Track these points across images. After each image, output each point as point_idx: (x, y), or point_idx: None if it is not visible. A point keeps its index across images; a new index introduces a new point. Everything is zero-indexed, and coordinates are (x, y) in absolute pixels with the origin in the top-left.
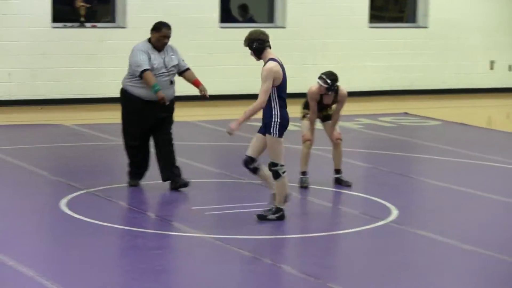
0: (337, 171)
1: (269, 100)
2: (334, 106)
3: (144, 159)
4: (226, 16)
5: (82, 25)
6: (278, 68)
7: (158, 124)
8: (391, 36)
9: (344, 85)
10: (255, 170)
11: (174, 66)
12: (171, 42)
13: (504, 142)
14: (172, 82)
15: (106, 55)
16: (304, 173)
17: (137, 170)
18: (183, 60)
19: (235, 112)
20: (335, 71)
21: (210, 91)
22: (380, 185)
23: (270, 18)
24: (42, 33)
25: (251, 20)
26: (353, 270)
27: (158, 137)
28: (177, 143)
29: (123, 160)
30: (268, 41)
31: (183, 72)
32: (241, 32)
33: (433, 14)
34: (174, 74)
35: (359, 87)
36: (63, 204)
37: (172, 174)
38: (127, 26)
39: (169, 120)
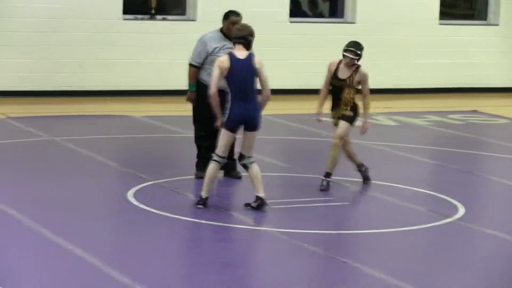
0: (327, 174)
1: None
2: (348, 96)
3: (212, 150)
4: (296, 11)
5: (152, 17)
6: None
7: None
8: (461, 33)
9: (413, 82)
10: (245, 167)
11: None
12: None
13: None
14: None
15: (176, 47)
16: (327, 174)
17: (205, 161)
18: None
19: (304, 107)
20: (404, 67)
21: (280, 86)
22: (447, 182)
23: (340, 13)
24: (113, 24)
25: (320, 15)
26: (419, 267)
27: None
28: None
29: (191, 152)
30: None
31: None
32: (311, 27)
33: (503, 11)
34: None
35: (428, 84)
36: (130, 194)
37: (226, 165)
38: (197, 19)
39: None
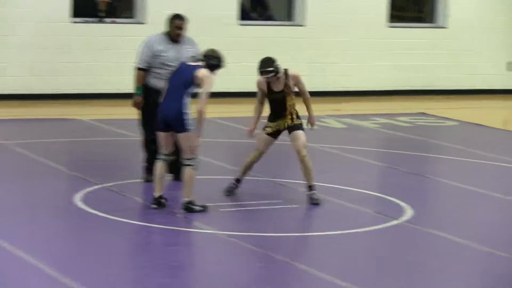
0: (309, 187)
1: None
2: (291, 103)
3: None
4: (245, 14)
5: (102, 21)
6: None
7: None
8: (410, 36)
9: (362, 84)
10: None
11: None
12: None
13: None
14: None
15: (126, 50)
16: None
17: (152, 165)
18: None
19: (242, 109)
20: (352, 70)
21: (229, 89)
22: (395, 184)
23: (290, 16)
24: (62, 27)
25: (269, 18)
26: (367, 269)
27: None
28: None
29: (139, 156)
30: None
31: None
32: (260, 29)
33: (453, 14)
34: None
35: (377, 87)
36: (78, 198)
37: (174, 168)
38: (147, 22)
39: None
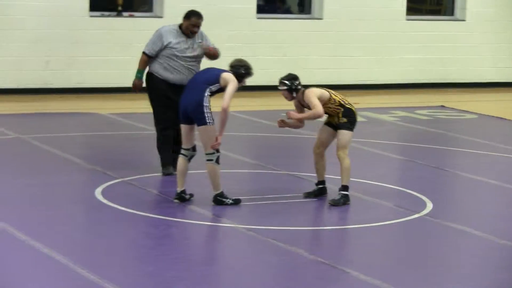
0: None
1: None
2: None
3: (175, 142)
4: (263, 7)
5: (119, 14)
6: None
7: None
8: (428, 29)
9: (381, 77)
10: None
11: (196, 56)
12: (207, 32)
13: None
14: (194, 68)
15: (143, 44)
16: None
17: (169, 158)
18: (213, 45)
19: (270, 103)
20: (371, 63)
21: (247, 82)
22: (415, 178)
23: (307, 9)
24: (79, 21)
25: (288, 11)
26: (387, 263)
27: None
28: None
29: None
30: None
31: (213, 49)
32: (278, 23)
33: (470, 7)
34: (198, 61)
35: (396, 80)
36: (98, 192)
37: (172, 160)
38: (164, 15)
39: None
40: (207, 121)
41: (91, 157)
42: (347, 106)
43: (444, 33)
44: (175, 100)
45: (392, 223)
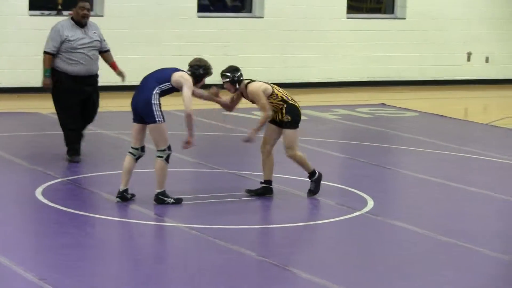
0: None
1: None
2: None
3: (78, 131)
4: (204, 6)
5: (59, 13)
6: None
7: (86, 98)
8: (369, 27)
9: (322, 76)
10: None
11: (94, 41)
12: (154, 31)
13: (481, 134)
14: (93, 58)
15: None
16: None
17: (74, 146)
18: (104, 41)
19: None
20: (313, 61)
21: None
22: (356, 176)
23: (248, 8)
24: (19, 20)
25: (229, 9)
26: (329, 261)
27: (85, 111)
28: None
29: (101, 149)
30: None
31: (103, 52)
32: (218, 22)
33: (411, 5)
34: (95, 50)
35: (337, 78)
36: (38, 192)
37: (78, 147)
38: (105, 14)
39: (95, 93)
40: (157, 119)
41: (32, 157)
42: (290, 102)
43: (385, 31)
44: (80, 92)
45: (334, 221)
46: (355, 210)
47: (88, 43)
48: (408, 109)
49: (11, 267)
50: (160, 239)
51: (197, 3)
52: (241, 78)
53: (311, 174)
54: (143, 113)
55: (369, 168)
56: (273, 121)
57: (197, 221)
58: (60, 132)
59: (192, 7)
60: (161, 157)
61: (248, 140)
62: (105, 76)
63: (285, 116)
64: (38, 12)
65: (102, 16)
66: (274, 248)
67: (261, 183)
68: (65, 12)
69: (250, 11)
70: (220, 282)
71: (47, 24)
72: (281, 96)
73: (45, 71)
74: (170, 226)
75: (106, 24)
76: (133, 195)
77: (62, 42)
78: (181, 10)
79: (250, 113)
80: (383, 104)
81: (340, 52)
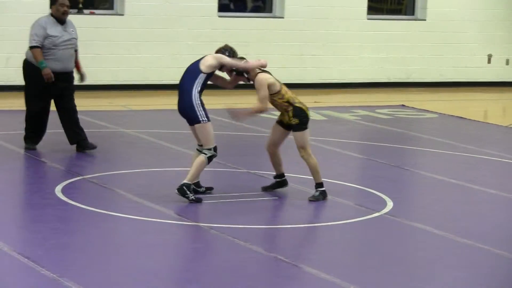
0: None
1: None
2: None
3: (44, 125)
4: (224, 6)
5: (80, 12)
6: None
7: (59, 93)
8: (389, 28)
9: (342, 76)
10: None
11: (72, 39)
12: (169, 30)
13: (500, 136)
14: (70, 55)
15: (104, 42)
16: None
17: (34, 134)
18: (76, 39)
19: (231, 101)
20: (332, 62)
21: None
22: (375, 177)
23: (268, 8)
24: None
25: (250, 10)
26: (347, 261)
27: (60, 106)
28: (172, 131)
29: (120, 147)
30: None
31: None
32: (238, 21)
33: (431, 7)
34: (73, 48)
35: (357, 79)
36: (58, 190)
37: (78, 135)
38: (125, 13)
39: (69, 89)
40: (200, 119)
41: (52, 155)
42: (297, 105)
43: (405, 32)
44: (52, 87)
45: (352, 222)
46: (374, 211)
47: (68, 40)
48: (427, 111)
49: (28, 264)
50: (179, 238)
51: (217, 3)
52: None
53: (319, 184)
54: (188, 116)
55: (388, 169)
56: (280, 122)
57: (217, 220)
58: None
59: (213, 7)
60: (205, 154)
61: (232, 115)
62: (127, 75)
63: (292, 119)
64: None
65: (122, 15)
66: (291, 248)
67: (274, 177)
68: (85, 11)
69: (270, 11)
70: (237, 282)
71: None
72: (287, 98)
73: (40, 63)
74: (189, 225)
75: (127, 23)
76: (208, 188)
77: (45, 38)
78: (202, 10)
79: (269, 112)
80: (403, 105)
81: (360, 53)
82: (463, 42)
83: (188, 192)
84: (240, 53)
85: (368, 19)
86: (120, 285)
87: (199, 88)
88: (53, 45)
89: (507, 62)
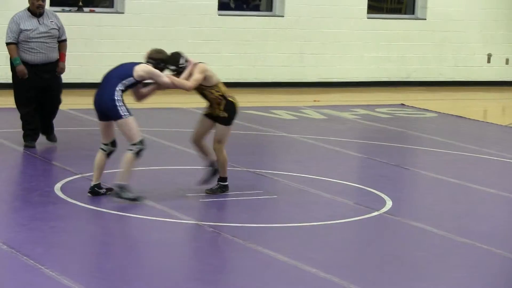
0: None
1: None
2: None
3: (31, 117)
4: (224, 4)
5: (80, 10)
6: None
7: (46, 85)
8: (389, 27)
9: (342, 75)
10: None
11: (52, 30)
12: (169, 28)
13: (499, 135)
14: (50, 46)
15: (104, 40)
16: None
17: (32, 132)
18: (62, 30)
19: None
20: (332, 61)
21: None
22: (375, 176)
23: (269, 7)
24: None
25: (250, 8)
26: (347, 261)
27: (48, 96)
28: (173, 129)
29: (119, 145)
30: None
31: (60, 42)
32: (238, 20)
33: (431, 6)
34: (53, 38)
35: (357, 78)
36: (57, 188)
37: (49, 128)
38: (125, 11)
39: (57, 81)
40: (122, 114)
41: (51, 153)
42: (230, 99)
43: (405, 31)
44: (39, 80)
45: (352, 221)
46: (373, 210)
47: (45, 32)
48: (427, 110)
49: (27, 262)
50: (179, 237)
51: (217, 1)
52: (185, 65)
53: (223, 179)
54: (108, 111)
55: (388, 168)
56: (208, 114)
57: (215, 218)
58: (78, 128)
59: (213, 5)
60: (131, 150)
61: (135, 95)
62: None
63: (222, 112)
64: (59, 9)
65: (122, 13)
66: (291, 247)
67: (208, 166)
68: (85, 9)
69: (270, 9)
70: (237, 280)
71: (68, 20)
72: (223, 92)
73: (14, 59)
74: (187, 224)
75: (127, 21)
76: (108, 190)
77: (19, 33)
78: (202, 8)
79: (269, 111)
80: (403, 104)
81: (360, 51)
82: (463, 41)
83: (123, 194)
84: (240, 52)
85: (368, 18)
86: (119, 283)
87: (123, 88)
88: (27, 38)
89: (507, 62)
